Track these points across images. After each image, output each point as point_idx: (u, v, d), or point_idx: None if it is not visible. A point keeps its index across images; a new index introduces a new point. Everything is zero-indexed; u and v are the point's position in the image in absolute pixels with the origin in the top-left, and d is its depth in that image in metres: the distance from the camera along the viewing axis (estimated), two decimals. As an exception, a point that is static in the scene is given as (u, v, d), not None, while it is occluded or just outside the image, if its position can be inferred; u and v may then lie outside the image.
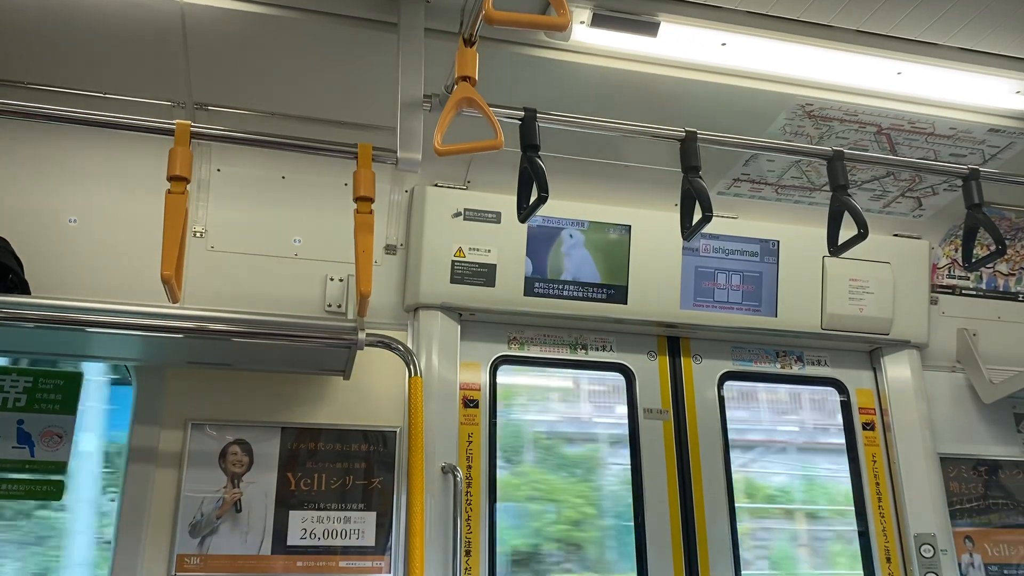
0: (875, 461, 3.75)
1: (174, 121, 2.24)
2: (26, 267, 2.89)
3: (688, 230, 2.61)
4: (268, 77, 2.93)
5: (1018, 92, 3.06)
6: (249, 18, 2.64)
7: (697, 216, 2.54)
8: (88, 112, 2.29)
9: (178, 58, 2.80)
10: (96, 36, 2.71)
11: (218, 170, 3.20)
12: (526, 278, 3.42)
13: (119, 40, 2.72)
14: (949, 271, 3.94)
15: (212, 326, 2.66)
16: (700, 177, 2.56)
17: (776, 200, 3.62)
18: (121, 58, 2.80)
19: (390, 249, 3.40)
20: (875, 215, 3.70)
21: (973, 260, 2.87)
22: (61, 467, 2.92)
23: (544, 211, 2.77)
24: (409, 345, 3.28)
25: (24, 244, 2.91)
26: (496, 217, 3.40)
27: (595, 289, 3.49)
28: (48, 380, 2.94)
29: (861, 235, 2.54)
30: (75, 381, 2.96)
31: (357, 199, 2.33)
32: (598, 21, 2.65)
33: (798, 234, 3.66)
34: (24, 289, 2.78)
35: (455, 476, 3.06)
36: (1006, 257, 4.00)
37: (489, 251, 3.39)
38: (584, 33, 2.71)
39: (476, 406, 3.36)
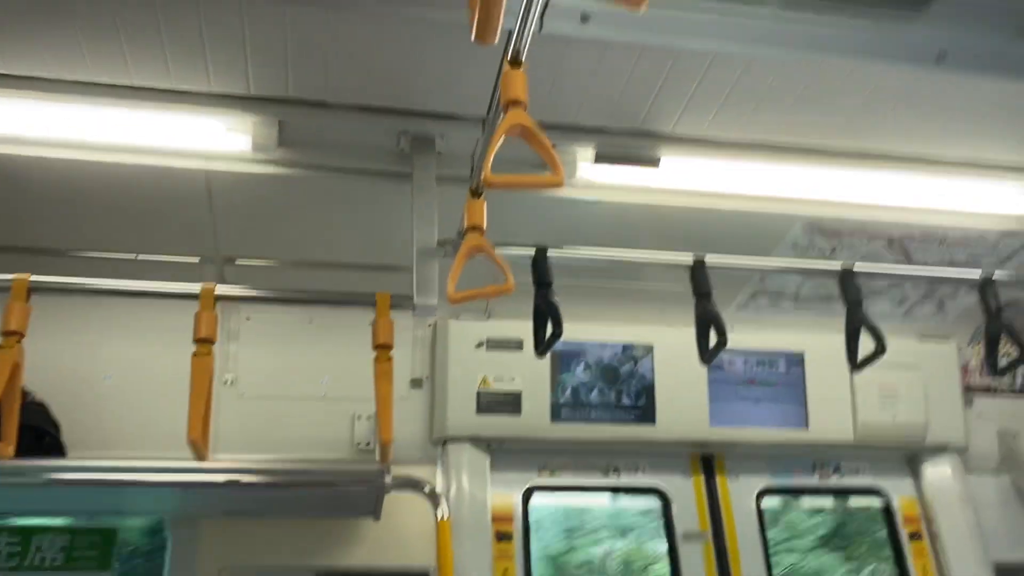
0: (926, 573, 3.61)
1: (199, 285, 2.34)
2: (65, 423, 2.98)
3: (706, 355, 2.63)
4: (291, 230, 3.06)
5: (1025, 196, 3.09)
6: (270, 179, 2.78)
7: (713, 340, 2.56)
8: (120, 282, 2.41)
9: (205, 218, 2.94)
10: (130, 204, 2.86)
11: (247, 319, 3.31)
12: (552, 404, 3.43)
13: (151, 206, 2.88)
14: (981, 371, 3.88)
15: (244, 478, 2.70)
16: (713, 301, 2.58)
17: (796, 311, 3.64)
18: (152, 222, 2.95)
19: (416, 383, 3.44)
20: (898, 321, 3.69)
21: (1000, 367, 2.83)
22: (96, 626, 2.93)
23: (566, 335, 2.84)
24: (439, 478, 3.29)
25: (62, 401, 3.02)
26: (518, 345, 3.45)
27: (622, 411, 3.48)
28: (84, 538, 2.98)
29: (880, 351, 2.54)
30: (110, 538, 3.00)
31: (376, 347, 2.40)
32: (601, 159, 2.75)
33: (822, 344, 3.64)
34: (60, 451, 2.86)
35: (491, 615, 3.01)
36: (1037, 354, 3.93)
37: (514, 379, 3.42)
38: (588, 170, 2.81)
39: (510, 539, 3.32)
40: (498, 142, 1.79)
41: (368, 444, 3.34)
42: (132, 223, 2.95)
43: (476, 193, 2.38)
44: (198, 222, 2.96)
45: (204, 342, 2.26)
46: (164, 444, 2.95)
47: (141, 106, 2.50)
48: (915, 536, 3.69)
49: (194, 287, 2.36)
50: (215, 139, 2.65)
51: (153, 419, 3.14)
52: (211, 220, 2.95)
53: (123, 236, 3.00)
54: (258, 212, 2.95)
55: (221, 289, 2.36)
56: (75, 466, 2.62)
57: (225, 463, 2.74)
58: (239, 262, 3.12)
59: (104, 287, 2.39)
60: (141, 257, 3.01)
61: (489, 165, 1.78)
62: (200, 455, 2.20)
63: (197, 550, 3.07)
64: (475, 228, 2.34)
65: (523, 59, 1.79)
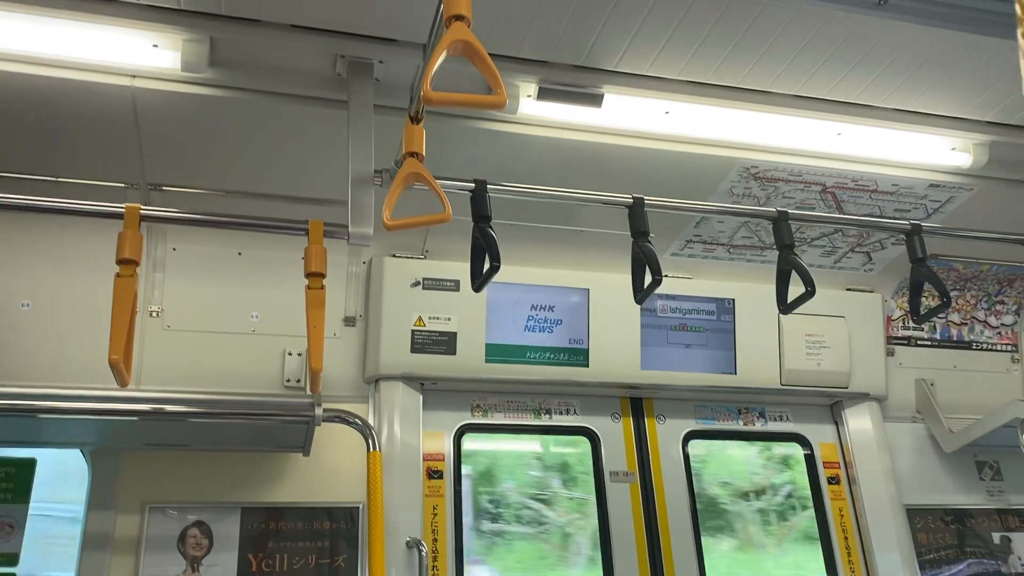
0: (842, 515, 3.75)
1: (123, 205, 2.25)
2: (-22, 353, 2.86)
3: (640, 293, 2.65)
4: (221, 156, 2.96)
5: (954, 149, 3.16)
6: (200, 100, 2.68)
7: (648, 279, 2.58)
8: (38, 199, 2.29)
9: (131, 140, 2.82)
10: (49, 121, 2.73)
11: (174, 249, 3.20)
12: (487, 345, 3.43)
13: (72, 124, 2.74)
14: (903, 323, 4.00)
15: (168, 407, 2.64)
16: (649, 241, 2.60)
17: (729, 259, 3.69)
18: (74, 142, 2.82)
19: (349, 321, 3.39)
20: (827, 271, 3.78)
21: (922, 313, 2.92)
22: (13, 559, 2.83)
23: (502, 277, 2.82)
24: (371, 417, 3.26)
25: (-24, 330, 2.89)
26: (455, 285, 3.42)
27: (556, 353, 3.50)
28: (1, 469, 2.87)
29: (809, 293, 2.59)
30: (28, 468, 2.90)
31: (308, 275, 2.34)
32: (544, 94, 2.72)
33: (753, 292, 3.71)
34: (-26, 377, 2.74)
35: (420, 551, 3.02)
36: (957, 307, 4.08)
37: (449, 319, 3.40)
38: (531, 106, 2.78)
39: (440, 477, 3.33)
40: (439, 58, 1.74)
41: (298, 381, 3.28)
42: (51, 143, 2.81)
43: (415, 119, 2.32)
44: (123, 144, 2.83)
45: (127, 263, 2.17)
46: (86, 376, 2.87)
47: (63, 15, 2.37)
48: (833, 480, 3.82)
49: (119, 207, 2.26)
50: (142, 55, 2.53)
51: (74, 350, 3.03)
52: (137, 142, 2.83)
53: (41, 157, 2.85)
54: (187, 135, 2.84)
55: (147, 209, 2.26)
56: (-11, 392, 2.51)
57: (149, 393, 2.66)
58: (165, 189, 3.00)
59: (23, 203, 2.27)
60: (62, 179, 2.87)
61: (429, 81, 1.74)
62: (122, 379, 2.13)
63: (118, 484, 2.98)
64: (413, 155, 2.29)
65: (468, -26, 1.75)
